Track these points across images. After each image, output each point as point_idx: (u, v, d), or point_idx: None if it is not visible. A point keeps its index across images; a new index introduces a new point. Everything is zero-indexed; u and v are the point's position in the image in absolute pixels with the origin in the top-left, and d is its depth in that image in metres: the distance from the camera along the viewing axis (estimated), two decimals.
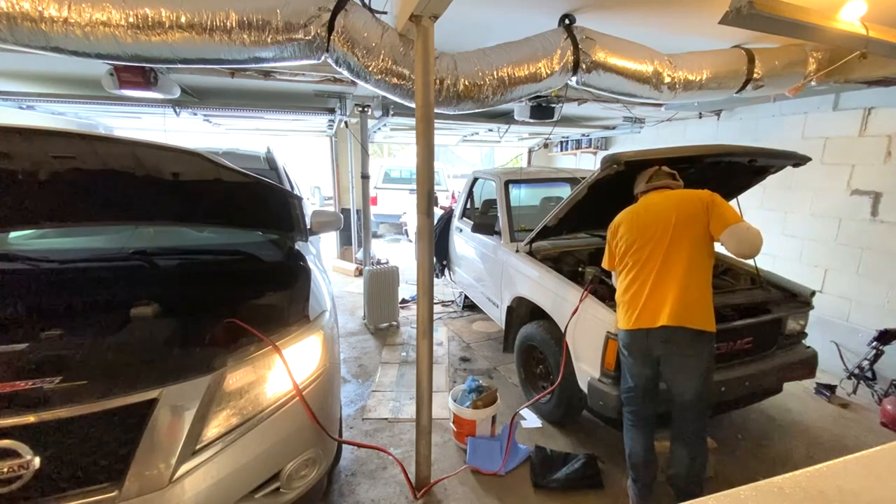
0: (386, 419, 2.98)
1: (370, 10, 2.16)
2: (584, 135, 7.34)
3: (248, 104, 4.79)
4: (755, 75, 2.85)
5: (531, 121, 4.32)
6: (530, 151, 9.08)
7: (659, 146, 2.93)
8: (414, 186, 2.18)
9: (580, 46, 2.39)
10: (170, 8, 1.85)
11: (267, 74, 3.38)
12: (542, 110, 4.16)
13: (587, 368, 2.43)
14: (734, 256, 1.98)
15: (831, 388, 3.36)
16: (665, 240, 1.98)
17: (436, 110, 2.14)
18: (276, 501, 1.59)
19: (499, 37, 2.48)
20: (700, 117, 5.19)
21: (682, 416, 2.03)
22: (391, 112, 4.68)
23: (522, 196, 4.16)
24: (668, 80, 2.67)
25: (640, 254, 2.04)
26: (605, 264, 2.29)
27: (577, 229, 3.33)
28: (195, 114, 5.00)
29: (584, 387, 2.44)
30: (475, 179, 4.76)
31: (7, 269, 2.02)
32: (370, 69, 2.17)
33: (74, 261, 2.14)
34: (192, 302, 1.96)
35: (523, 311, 3.30)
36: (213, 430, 1.44)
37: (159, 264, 2.19)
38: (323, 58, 2.15)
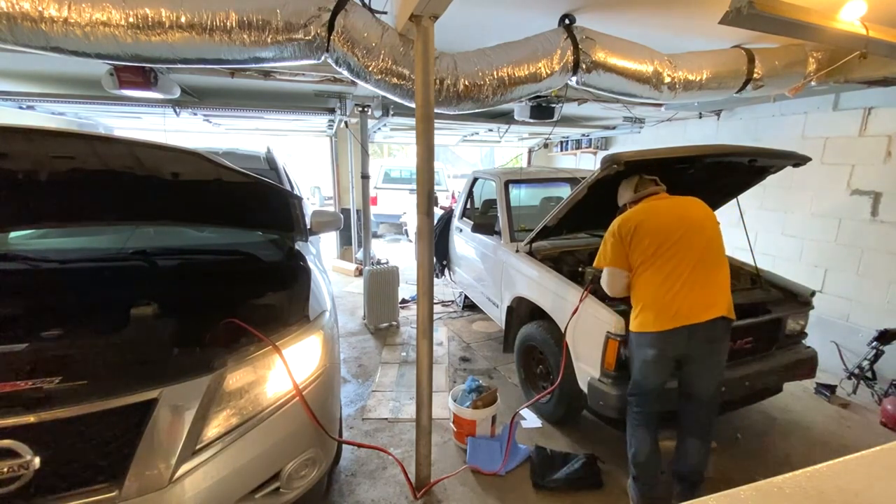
0: (386, 419, 2.98)
1: (370, 10, 2.16)
2: (584, 135, 7.34)
3: (248, 104, 4.79)
4: (755, 75, 2.85)
5: (531, 121, 4.32)
6: (530, 151, 9.07)
7: (659, 146, 2.93)
8: (414, 186, 2.18)
9: (580, 46, 2.39)
10: (170, 8, 1.84)
11: (267, 74, 3.38)
12: (542, 110, 4.16)
13: (587, 368, 2.43)
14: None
15: (831, 388, 3.36)
16: (697, 238, 2.03)
17: (436, 110, 2.14)
18: (276, 501, 1.59)
19: (499, 37, 2.48)
20: (700, 117, 5.19)
21: (698, 411, 2.09)
22: (391, 112, 4.68)
23: (522, 196, 4.16)
24: (668, 80, 2.67)
25: (672, 251, 2.02)
26: (616, 263, 2.14)
27: (577, 229, 3.33)
28: (195, 114, 5.01)
29: (584, 387, 2.44)
30: (475, 179, 4.76)
31: (7, 269, 2.02)
32: (370, 69, 2.16)
33: (74, 261, 2.14)
34: (192, 302, 1.96)
35: (523, 311, 3.30)
36: (213, 430, 1.44)
37: (159, 264, 2.19)
38: (323, 58, 2.15)
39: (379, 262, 4.80)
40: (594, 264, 2.30)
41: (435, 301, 3.81)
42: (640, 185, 2.26)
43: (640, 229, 2.09)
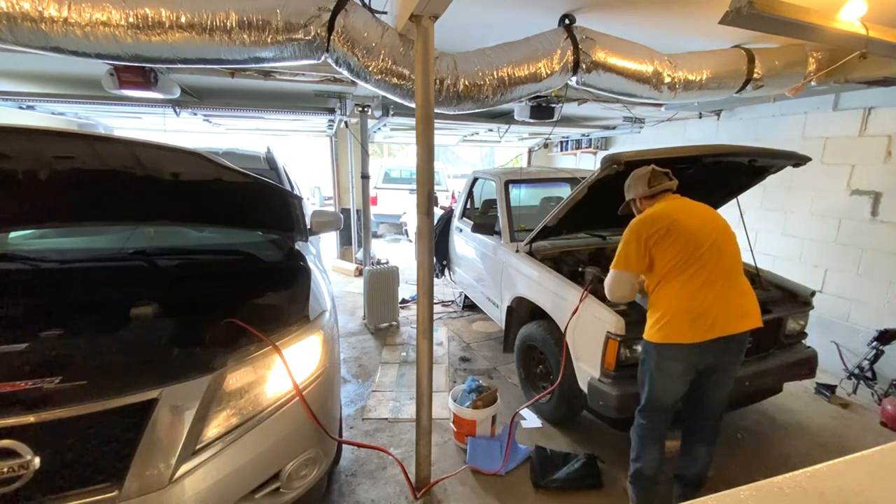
0: (386, 419, 2.98)
1: (370, 10, 2.16)
2: (584, 135, 7.35)
3: (248, 104, 4.79)
4: (755, 75, 2.85)
5: (531, 121, 4.32)
6: (530, 151, 9.08)
7: (659, 146, 2.93)
8: (414, 186, 2.18)
9: (580, 46, 2.39)
10: (170, 8, 1.85)
11: (267, 74, 3.38)
12: (542, 110, 4.16)
13: (587, 368, 2.43)
14: None
15: (831, 388, 3.36)
16: (729, 244, 1.96)
17: (436, 110, 2.14)
18: (276, 501, 1.59)
19: (499, 37, 2.48)
20: (700, 117, 5.19)
21: (709, 419, 2.06)
22: (391, 112, 4.68)
23: (522, 196, 4.16)
24: (668, 80, 2.67)
25: (707, 257, 1.87)
26: (636, 267, 1.97)
27: (577, 229, 3.33)
28: (195, 114, 5.00)
29: (584, 387, 2.44)
30: (475, 179, 4.76)
31: (7, 269, 2.02)
32: (370, 69, 2.17)
33: (74, 261, 2.14)
34: (192, 302, 1.96)
35: (523, 311, 3.30)
36: (213, 430, 1.44)
37: (159, 264, 2.19)
38: (323, 58, 2.15)
39: (379, 262, 4.80)
40: (612, 265, 2.03)
41: (435, 301, 3.81)
42: (653, 179, 2.06)
43: (674, 229, 1.89)
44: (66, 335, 1.66)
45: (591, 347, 2.37)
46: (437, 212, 4.18)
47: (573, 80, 2.56)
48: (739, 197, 2.97)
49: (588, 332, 2.41)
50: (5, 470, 1.19)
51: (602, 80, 2.54)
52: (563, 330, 2.58)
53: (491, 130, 6.46)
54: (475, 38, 2.76)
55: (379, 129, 6.09)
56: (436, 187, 2.46)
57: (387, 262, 4.80)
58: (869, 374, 3.37)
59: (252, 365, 1.57)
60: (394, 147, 18.69)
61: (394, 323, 4.66)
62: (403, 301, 5.16)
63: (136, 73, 3.14)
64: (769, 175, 2.88)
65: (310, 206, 3.49)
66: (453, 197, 9.81)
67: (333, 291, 2.41)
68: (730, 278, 1.91)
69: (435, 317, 2.73)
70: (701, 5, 2.31)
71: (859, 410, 3.20)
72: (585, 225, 3.33)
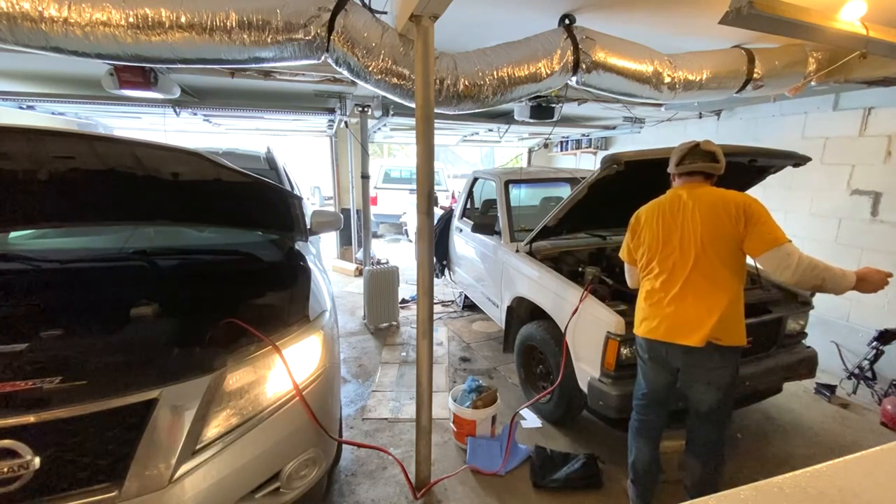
0: (386, 419, 2.98)
1: (370, 10, 2.16)
2: (584, 135, 7.34)
3: (248, 104, 4.79)
4: (755, 75, 2.85)
5: (531, 121, 4.32)
6: (530, 151, 9.08)
7: (659, 146, 2.93)
8: (414, 186, 2.18)
9: (580, 46, 2.39)
10: (170, 8, 1.84)
11: (267, 74, 3.38)
12: (542, 110, 4.16)
13: (587, 368, 2.43)
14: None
15: (831, 388, 3.36)
16: (690, 253, 1.84)
17: (436, 110, 2.14)
18: (276, 501, 1.59)
19: (499, 37, 2.48)
20: (700, 117, 5.19)
21: (697, 427, 1.98)
22: (391, 112, 4.68)
23: (522, 196, 4.16)
24: (668, 80, 2.67)
25: (665, 264, 1.90)
26: (626, 258, 2.15)
27: (577, 229, 3.33)
28: (195, 114, 5.01)
29: (584, 387, 2.44)
30: (475, 179, 4.76)
31: (7, 269, 2.02)
32: (370, 69, 2.16)
33: (74, 261, 2.14)
34: (192, 302, 1.96)
35: (523, 311, 3.30)
36: (213, 430, 1.44)
37: (159, 264, 2.19)
38: (323, 58, 2.15)
39: (379, 262, 4.80)
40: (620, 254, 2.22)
41: (435, 301, 3.81)
42: (686, 157, 1.95)
43: (642, 234, 2.01)
44: (66, 335, 1.66)
45: (591, 347, 2.37)
46: (437, 212, 4.18)
47: (573, 80, 2.56)
48: None
49: (588, 332, 2.41)
50: (5, 470, 1.19)
51: (602, 80, 2.54)
52: (563, 330, 2.58)
53: (491, 130, 6.46)
54: (475, 38, 2.76)
55: (379, 129, 6.08)
56: (436, 187, 2.46)
57: (387, 262, 4.79)
58: (869, 374, 3.37)
59: (252, 365, 1.57)
60: (394, 147, 18.69)
61: (394, 323, 4.66)
62: (403, 301, 5.16)
63: (136, 73, 3.14)
64: (769, 175, 2.88)
65: (310, 206, 3.49)
66: (453, 197, 9.81)
67: (333, 291, 2.41)
68: (693, 287, 1.83)
69: (435, 317, 2.73)
70: (701, 5, 2.31)
71: (859, 410, 3.20)
72: (585, 225, 3.33)
